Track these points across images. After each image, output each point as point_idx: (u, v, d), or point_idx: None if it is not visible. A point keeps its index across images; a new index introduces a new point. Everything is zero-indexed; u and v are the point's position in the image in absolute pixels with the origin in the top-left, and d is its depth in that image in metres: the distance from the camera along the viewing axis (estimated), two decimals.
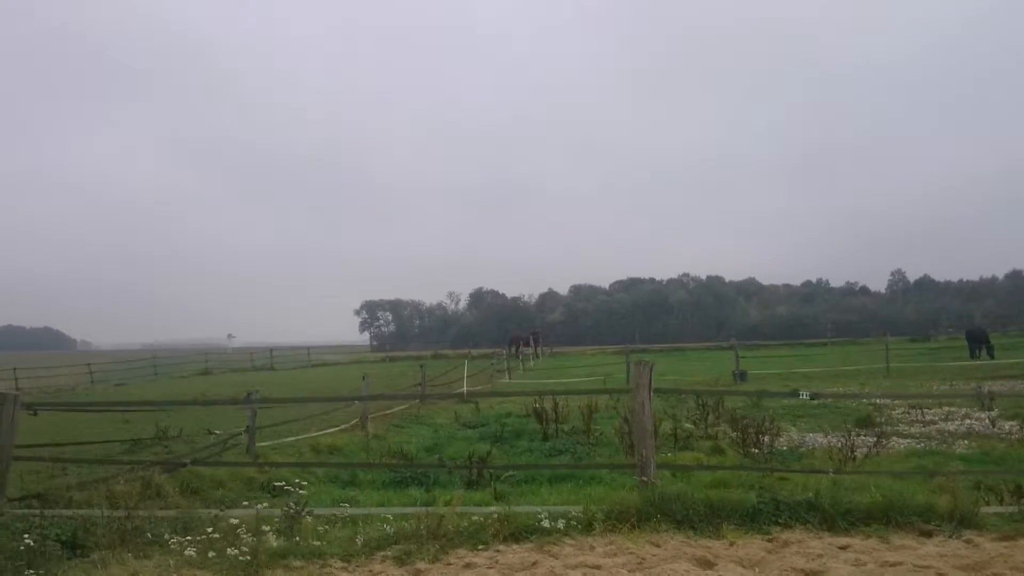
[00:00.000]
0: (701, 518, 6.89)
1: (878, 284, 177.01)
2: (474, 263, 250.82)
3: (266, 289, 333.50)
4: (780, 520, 7.01)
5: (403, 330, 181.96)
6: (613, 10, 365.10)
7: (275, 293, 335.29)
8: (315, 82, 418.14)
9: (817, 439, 13.57)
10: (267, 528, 6.57)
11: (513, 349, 45.19)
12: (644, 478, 7.51)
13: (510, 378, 36.75)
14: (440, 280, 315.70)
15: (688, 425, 14.17)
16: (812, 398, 12.65)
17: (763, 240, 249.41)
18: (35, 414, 7.74)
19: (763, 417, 12.53)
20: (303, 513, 7.07)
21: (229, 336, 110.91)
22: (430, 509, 7.16)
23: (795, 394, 13.33)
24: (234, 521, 6.79)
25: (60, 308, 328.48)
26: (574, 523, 6.84)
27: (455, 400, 24.90)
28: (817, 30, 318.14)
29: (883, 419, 15.97)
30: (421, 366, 23.49)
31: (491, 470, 10.37)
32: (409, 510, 7.70)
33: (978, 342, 35.24)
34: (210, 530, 6.60)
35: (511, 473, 10.63)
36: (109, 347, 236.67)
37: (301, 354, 63.53)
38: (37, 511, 7.68)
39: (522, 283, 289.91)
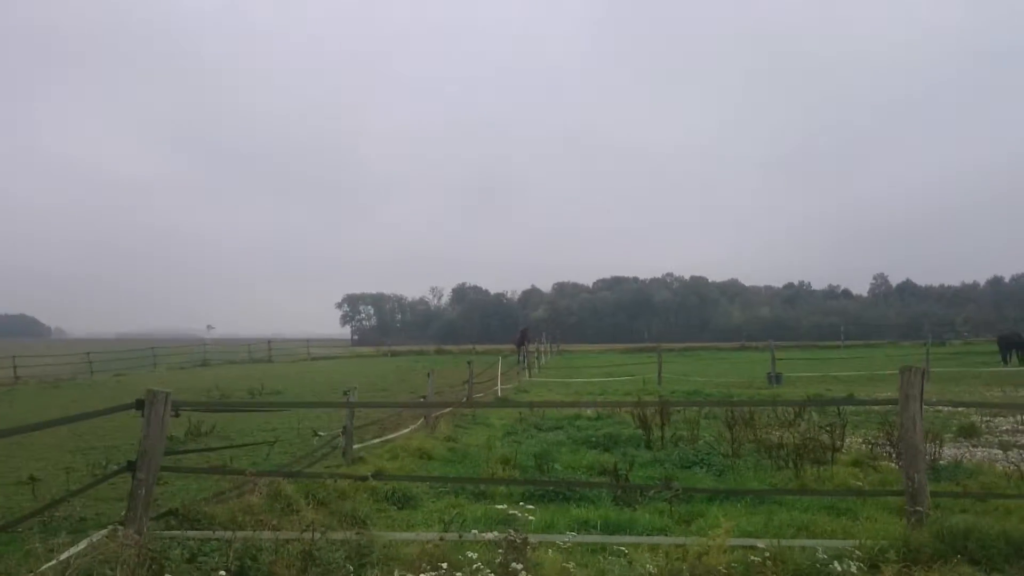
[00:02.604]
0: (1003, 557, 5.85)
1: (860, 287, 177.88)
2: (457, 258, 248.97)
3: (241, 280, 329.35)
4: None
5: (385, 324, 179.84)
6: (596, 5, 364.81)
7: (250, 284, 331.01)
8: (298, 72, 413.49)
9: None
10: (520, 567, 5.38)
11: (522, 347, 42.87)
12: (918, 508, 6.45)
13: (529, 377, 35.60)
14: (422, 274, 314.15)
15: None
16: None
17: (745, 241, 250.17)
18: (177, 415, 6.55)
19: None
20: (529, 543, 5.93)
21: (208, 327, 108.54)
22: (689, 541, 6.04)
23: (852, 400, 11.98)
24: (474, 555, 5.60)
25: (34, 295, 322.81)
26: (860, 564, 5.73)
27: (498, 399, 23.87)
28: (799, 24, 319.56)
29: (985, 429, 15.09)
30: (469, 363, 22.25)
31: (690, 491, 9.27)
32: (632, 539, 6.59)
33: (1011, 347, 34.77)
34: (444, 566, 5.41)
35: (676, 492, 9.57)
36: (83, 335, 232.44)
37: (297, 347, 61.96)
38: (184, 532, 6.50)
39: (505, 279, 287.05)
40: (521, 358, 39.70)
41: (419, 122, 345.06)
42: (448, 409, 18.40)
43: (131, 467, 6.16)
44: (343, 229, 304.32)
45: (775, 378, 29.54)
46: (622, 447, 12.85)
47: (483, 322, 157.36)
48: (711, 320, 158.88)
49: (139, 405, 6.22)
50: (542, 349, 46.44)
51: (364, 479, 6.78)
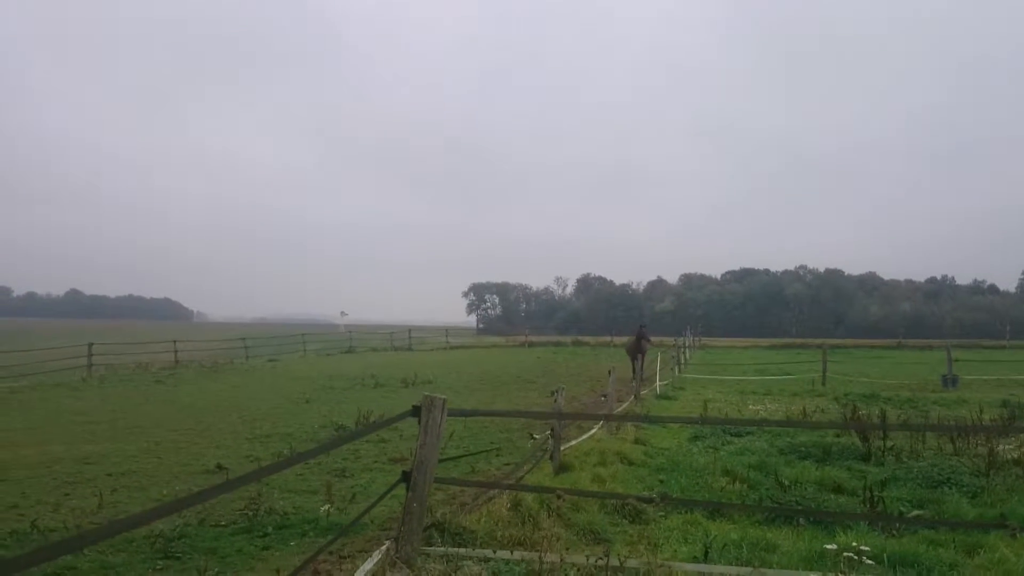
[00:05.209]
0: None
1: (1007, 283, 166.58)
2: (582, 248, 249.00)
3: (370, 267, 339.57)
4: None
5: (509, 314, 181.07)
6: None
7: (379, 272, 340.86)
8: (434, 65, 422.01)
9: None
10: None
11: (637, 356, 32.09)
12: None
13: (679, 372, 34.49)
14: (546, 265, 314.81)
15: None
16: None
17: (884, 234, 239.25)
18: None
19: None
20: None
21: (342, 313, 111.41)
22: None
23: None
24: None
25: (176, 280, 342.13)
26: None
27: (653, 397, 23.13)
28: (948, 12, 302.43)
29: None
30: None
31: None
32: None
33: None
34: None
35: (918, 513, 8.68)
36: (222, 319, 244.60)
37: (432, 335, 62.71)
38: (451, 549, 6.11)
39: (630, 270, 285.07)
40: (637, 370, 31.43)
41: (548, 115, 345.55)
42: (623, 406, 17.88)
43: (406, 478, 5.81)
44: (470, 219, 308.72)
45: (951, 381, 27.50)
46: (839, 459, 11.88)
47: (608, 313, 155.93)
48: (846, 315, 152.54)
49: (416, 411, 5.88)
50: (686, 344, 44.92)
51: (650, 501, 6.25)
